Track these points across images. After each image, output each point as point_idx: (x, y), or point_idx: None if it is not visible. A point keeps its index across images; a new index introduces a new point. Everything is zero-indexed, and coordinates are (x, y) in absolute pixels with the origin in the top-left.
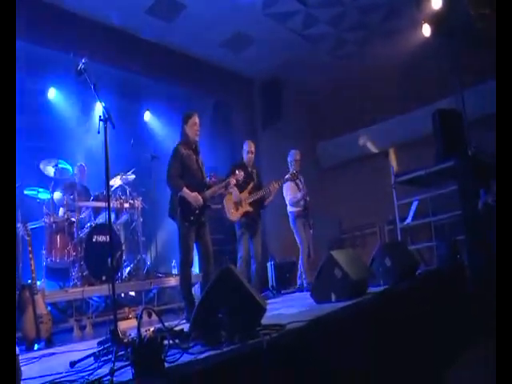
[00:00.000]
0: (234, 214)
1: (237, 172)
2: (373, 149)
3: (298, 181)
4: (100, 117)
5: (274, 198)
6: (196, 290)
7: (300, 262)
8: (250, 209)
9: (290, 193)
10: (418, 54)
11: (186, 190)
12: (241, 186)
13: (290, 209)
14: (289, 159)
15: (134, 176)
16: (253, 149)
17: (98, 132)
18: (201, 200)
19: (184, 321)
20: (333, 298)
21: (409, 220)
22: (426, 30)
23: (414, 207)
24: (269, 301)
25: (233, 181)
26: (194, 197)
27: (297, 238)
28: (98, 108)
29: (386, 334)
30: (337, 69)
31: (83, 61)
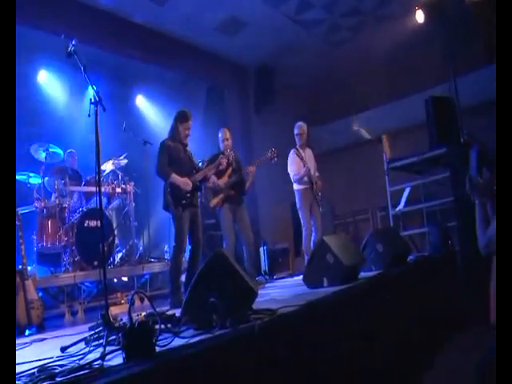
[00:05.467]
0: (214, 201)
1: (225, 153)
2: (366, 135)
3: (303, 154)
4: (91, 100)
5: (266, 185)
6: (183, 278)
7: (303, 245)
8: (231, 192)
9: (293, 169)
10: (411, 40)
11: (174, 176)
12: (219, 173)
13: (295, 187)
14: (295, 132)
15: (126, 160)
16: (228, 136)
17: (89, 115)
18: (190, 184)
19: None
20: (325, 283)
21: (401, 206)
22: (420, 17)
23: (406, 193)
24: (261, 286)
25: (224, 161)
26: (183, 181)
27: (301, 220)
28: (90, 91)
29: (377, 318)
30: (330, 55)
31: (73, 42)
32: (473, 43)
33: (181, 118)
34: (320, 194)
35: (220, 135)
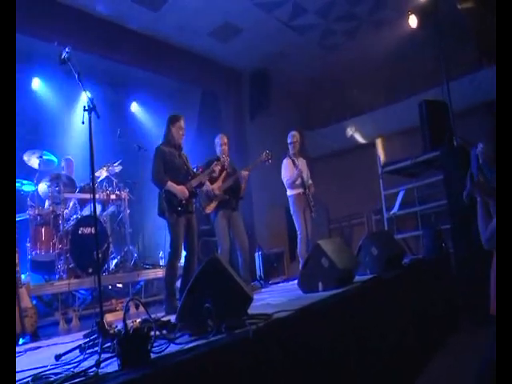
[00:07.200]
0: (209, 206)
1: (221, 159)
2: (360, 139)
3: (297, 162)
4: (84, 107)
5: (261, 190)
6: (178, 285)
7: (298, 250)
8: (225, 196)
9: (286, 174)
10: (404, 44)
11: (170, 184)
12: (213, 178)
13: (289, 192)
14: (288, 141)
15: (120, 167)
16: (225, 141)
17: (83, 122)
18: (187, 192)
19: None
20: (320, 287)
21: (395, 209)
22: (413, 21)
23: (400, 197)
24: (256, 291)
25: (217, 168)
26: (180, 189)
27: (296, 224)
28: (83, 98)
29: (372, 322)
30: (324, 59)
31: (67, 50)
32: (465, 47)
33: (172, 120)
34: (313, 199)
35: (217, 140)
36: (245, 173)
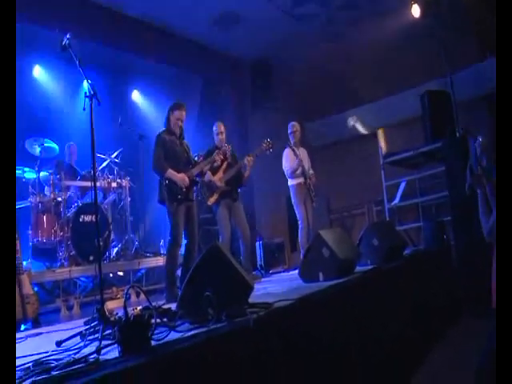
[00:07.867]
0: (211, 198)
1: (222, 148)
2: (361, 129)
3: (297, 151)
4: (85, 93)
5: (262, 180)
6: (179, 273)
7: (300, 240)
8: (226, 188)
9: (288, 164)
10: (407, 34)
11: (171, 171)
12: (214, 168)
13: (290, 182)
14: (288, 131)
15: (116, 154)
16: (222, 129)
17: (84, 109)
18: (187, 180)
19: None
20: (321, 277)
21: (396, 200)
22: (416, 11)
23: (401, 188)
24: (257, 280)
25: (219, 157)
26: (180, 177)
27: (297, 214)
28: (85, 85)
29: (373, 312)
30: (326, 49)
31: (67, 36)
32: (468, 38)
33: (172, 108)
34: (314, 189)
35: (214, 128)
36: (249, 158)
